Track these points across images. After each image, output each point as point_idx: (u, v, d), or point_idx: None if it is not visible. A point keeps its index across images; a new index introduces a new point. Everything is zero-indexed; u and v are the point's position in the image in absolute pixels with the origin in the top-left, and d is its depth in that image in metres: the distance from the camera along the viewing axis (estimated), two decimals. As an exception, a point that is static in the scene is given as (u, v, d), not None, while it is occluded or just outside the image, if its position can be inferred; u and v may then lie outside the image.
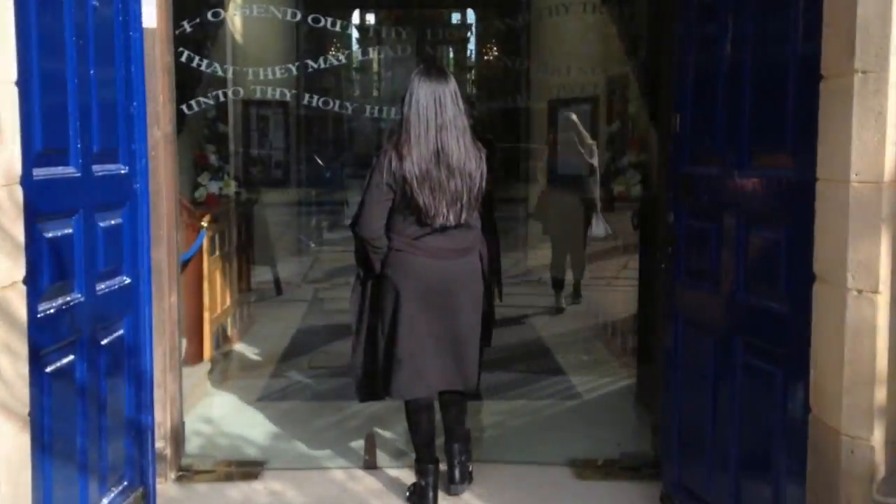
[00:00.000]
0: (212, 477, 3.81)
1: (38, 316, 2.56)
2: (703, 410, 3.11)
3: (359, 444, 4.06)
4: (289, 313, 7.09)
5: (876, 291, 2.35)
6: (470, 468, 3.71)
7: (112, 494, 3.13)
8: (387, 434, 4.26)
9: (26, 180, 2.43)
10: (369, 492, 3.70)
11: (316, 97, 5.31)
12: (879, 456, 2.39)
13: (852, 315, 2.38)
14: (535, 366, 5.58)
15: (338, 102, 5.51)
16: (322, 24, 4.96)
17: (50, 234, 2.65)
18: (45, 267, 2.61)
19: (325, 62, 5.40)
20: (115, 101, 3.12)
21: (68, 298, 2.78)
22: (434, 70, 3.44)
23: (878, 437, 2.38)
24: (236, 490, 3.69)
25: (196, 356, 5.09)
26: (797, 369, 2.62)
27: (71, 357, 2.79)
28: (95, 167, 2.96)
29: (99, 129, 2.95)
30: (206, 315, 5.22)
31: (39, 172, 2.57)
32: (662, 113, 3.93)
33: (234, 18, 6.09)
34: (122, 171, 3.21)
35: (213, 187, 5.68)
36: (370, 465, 3.91)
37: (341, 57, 8.40)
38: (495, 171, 3.67)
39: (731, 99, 2.93)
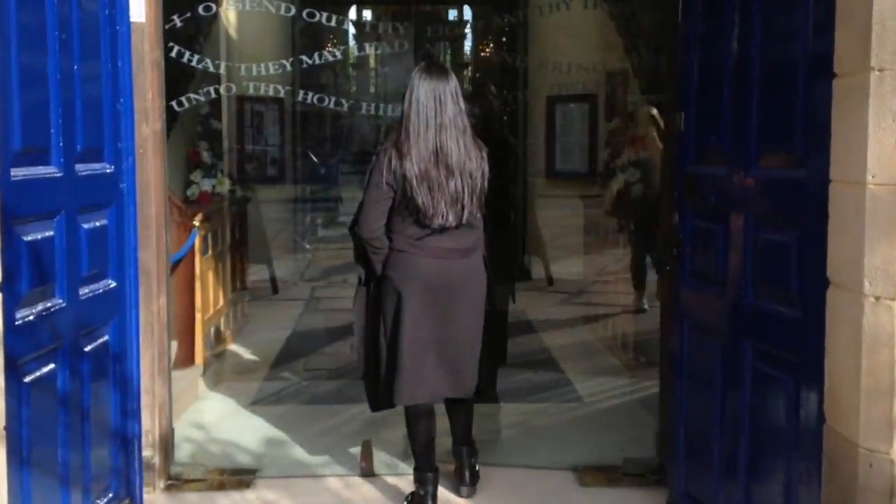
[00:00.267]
0: (202, 486, 3.72)
1: (16, 323, 2.47)
2: (711, 417, 3.04)
3: (356, 450, 3.98)
4: (284, 313, 7.01)
5: (895, 298, 2.26)
6: (476, 468, 3.69)
7: (96, 506, 3.05)
8: (385, 440, 4.17)
9: (3, 181, 2.37)
10: (366, 500, 3.62)
11: (311, 94, 5.24)
12: (899, 470, 2.30)
13: (869, 322, 2.29)
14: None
15: (333, 99, 5.43)
16: (317, 18, 4.88)
17: (29, 237, 2.56)
18: (24, 271, 2.52)
19: (320, 58, 5.32)
20: (100, 97, 3.04)
21: (49, 304, 2.69)
22: (435, 68, 3.41)
23: (898, 450, 2.29)
24: (227, 499, 3.61)
25: (187, 359, 5.01)
26: (810, 377, 2.53)
27: (52, 365, 2.70)
28: (79, 166, 2.88)
29: (83, 126, 2.87)
30: (198, 316, 5.14)
31: (18, 172, 2.49)
32: (665, 111, 3.84)
33: (228, 13, 6.01)
34: (108, 171, 3.13)
35: (206, 185, 5.65)
36: (367, 473, 3.84)
37: (337, 53, 8.32)
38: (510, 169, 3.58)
39: (738, 97, 2.85)
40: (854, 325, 2.33)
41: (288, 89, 6.08)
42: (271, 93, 5.13)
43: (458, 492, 3.61)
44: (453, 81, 3.34)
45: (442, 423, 3.64)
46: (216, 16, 5.07)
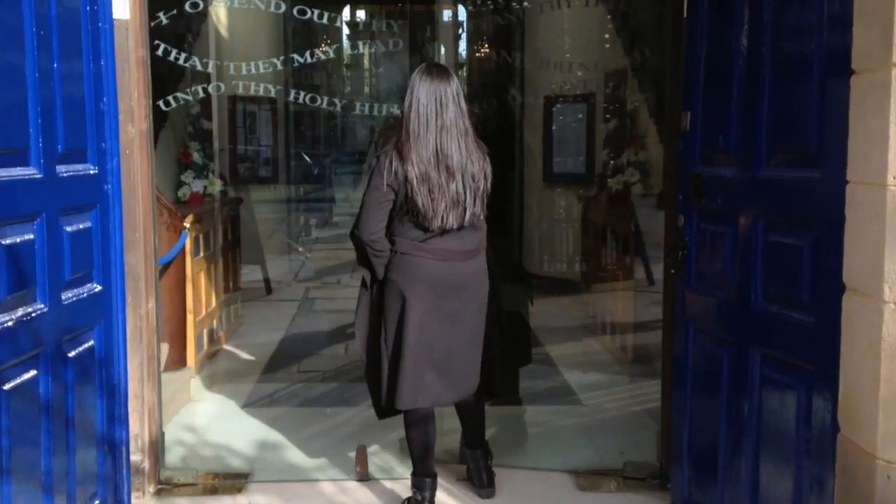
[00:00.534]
0: (193, 490, 3.66)
1: (-6, 329, 2.37)
2: (716, 424, 2.95)
3: (351, 453, 3.92)
4: (278, 314, 6.92)
5: (915, 305, 2.16)
6: (492, 469, 3.69)
7: (82, 513, 2.96)
8: (380, 444, 4.09)
9: (-22, 183, 2.25)
10: (360, 506, 3.56)
11: (303, 93, 5.14)
12: (918, 483, 2.20)
13: (889, 330, 2.19)
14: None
15: (326, 99, 5.33)
16: (308, 16, 4.77)
17: (7, 241, 2.46)
18: (2, 276, 2.42)
19: (312, 57, 5.21)
20: (82, 96, 2.94)
21: (29, 309, 2.60)
22: (436, 68, 3.35)
23: (916, 462, 2.19)
24: (218, 504, 3.54)
25: (179, 361, 4.93)
26: (823, 384, 2.43)
27: (33, 372, 2.60)
28: (60, 167, 2.78)
29: (64, 126, 2.77)
30: (190, 318, 5.06)
31: (-6, 174, 2.39)
32: (667, 110, 3.74)
33: (217, 10, 5.90)
34: (92, 172, 3.03)
35: (197, 186, 5.57)
36: (362, 477, 3.78)
37: (330, 52, 8.20)
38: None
39: (747, 95, 2.75)
40: (872, 331, 2.23)
41: (280, 89, 5.98)
42: (262, 92, 5.04)
43: (477, 494, 3.62)
44: (455, 82, 3.29)
45: (442, 423, 3.59)
46: (205, 13, 4.96)
